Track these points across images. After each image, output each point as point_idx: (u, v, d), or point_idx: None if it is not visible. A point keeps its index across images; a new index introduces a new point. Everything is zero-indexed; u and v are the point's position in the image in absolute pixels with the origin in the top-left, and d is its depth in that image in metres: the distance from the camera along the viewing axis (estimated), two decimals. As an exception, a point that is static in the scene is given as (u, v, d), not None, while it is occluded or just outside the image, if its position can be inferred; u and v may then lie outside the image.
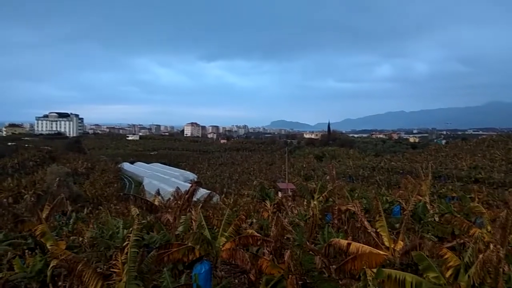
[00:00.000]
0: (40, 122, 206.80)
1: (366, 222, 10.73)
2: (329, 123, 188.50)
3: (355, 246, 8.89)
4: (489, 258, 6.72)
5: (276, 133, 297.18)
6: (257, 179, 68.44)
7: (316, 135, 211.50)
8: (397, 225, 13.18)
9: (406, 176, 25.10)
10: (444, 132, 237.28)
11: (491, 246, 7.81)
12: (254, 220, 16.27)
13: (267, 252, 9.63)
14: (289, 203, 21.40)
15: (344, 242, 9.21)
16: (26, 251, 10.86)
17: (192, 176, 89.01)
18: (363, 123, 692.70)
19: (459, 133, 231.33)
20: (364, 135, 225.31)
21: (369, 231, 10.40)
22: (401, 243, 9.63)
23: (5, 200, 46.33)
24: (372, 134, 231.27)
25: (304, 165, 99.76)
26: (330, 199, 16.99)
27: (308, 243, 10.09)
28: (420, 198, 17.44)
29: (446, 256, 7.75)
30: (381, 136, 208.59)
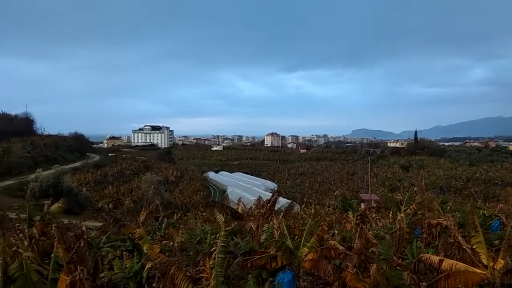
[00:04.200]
0: (136, 134, 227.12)
1: (460, 238, 9.92)
2: (416, 131, 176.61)
3: (448, 263, 8.26)
4: None
5: (357, 142, 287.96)
6: (338, 189, 66.83)
7: (402, 143, 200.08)
8: (497, 242, 11.96)
9: (506, 188, 22.50)
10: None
11: None
12: (336, 231, 15.96)
13: (350, 265, 9.39)
14: (373, 215, 20.57)
15: (435, 258, 8.62)
16: (125, 253, 11.63)
17: (272, 185, 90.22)
18: (455, 130, 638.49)
19: None
20: (457, 143, 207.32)
21: (464, 247, 9.60)
22: (502, 261, 8.72)
23: (106, 205, 51.70)
24: (466, 142, 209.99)
25: (389, 175, 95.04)
26: (419, 212, 16.00)
27: (395, 257, 9.61)
28: (525, 212, 15.66)
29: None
30: (476, 144, 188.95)
